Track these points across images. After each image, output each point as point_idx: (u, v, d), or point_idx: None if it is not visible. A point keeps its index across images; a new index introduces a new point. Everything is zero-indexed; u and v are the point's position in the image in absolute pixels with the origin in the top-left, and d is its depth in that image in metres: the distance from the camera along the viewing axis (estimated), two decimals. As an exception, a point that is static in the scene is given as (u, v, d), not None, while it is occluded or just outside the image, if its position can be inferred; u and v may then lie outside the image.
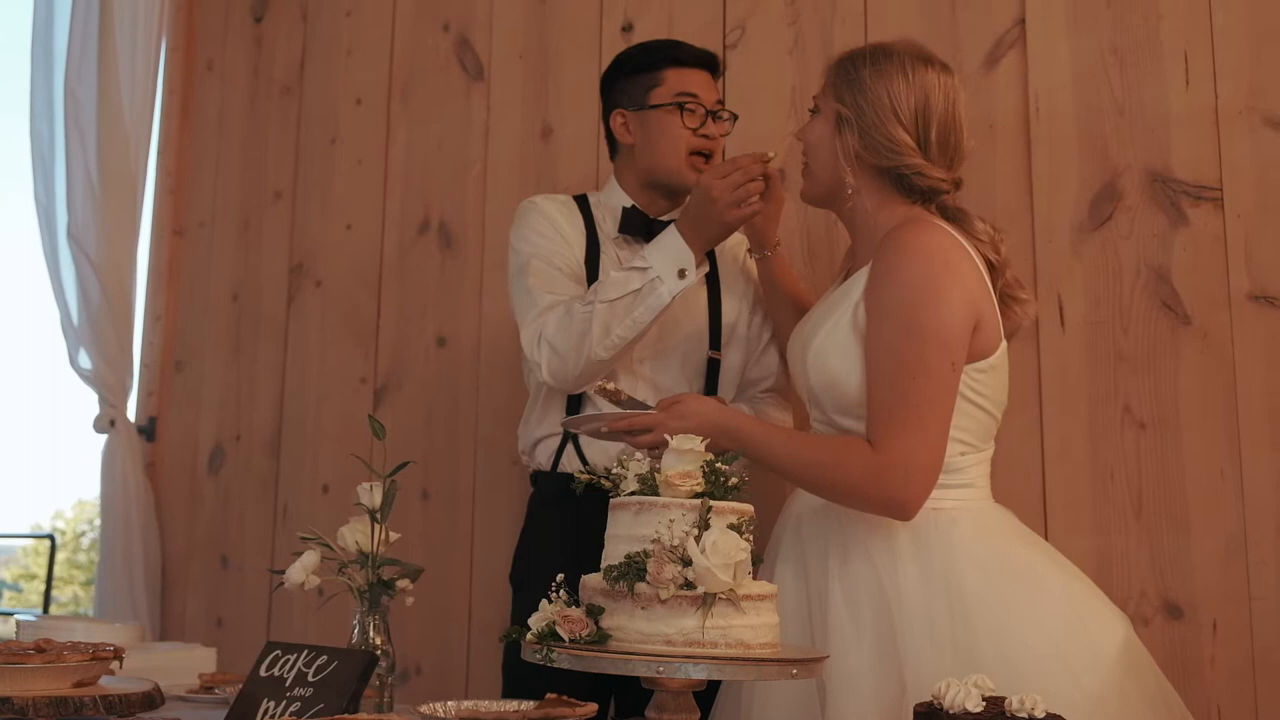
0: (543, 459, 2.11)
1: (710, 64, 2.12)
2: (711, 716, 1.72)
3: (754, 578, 1.35)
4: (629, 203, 2.11)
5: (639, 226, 2.07)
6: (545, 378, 1.95)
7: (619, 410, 1.74)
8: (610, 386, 1.73)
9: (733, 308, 2.11)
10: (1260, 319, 2.04)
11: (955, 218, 1.73)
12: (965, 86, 2.27)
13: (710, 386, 2.07)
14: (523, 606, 1.37)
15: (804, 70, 2.46)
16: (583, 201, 2.16)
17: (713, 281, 2.10)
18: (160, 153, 3.45)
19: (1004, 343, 1.70)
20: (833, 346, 1.69)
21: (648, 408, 1.73)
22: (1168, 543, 2.06)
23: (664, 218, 2.06)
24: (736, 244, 2.16)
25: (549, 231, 2.08)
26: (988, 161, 2.26)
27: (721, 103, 2.11)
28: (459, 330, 2.85)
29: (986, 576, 1.59)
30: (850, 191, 1.74)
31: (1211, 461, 2.04)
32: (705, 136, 2.05)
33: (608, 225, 2.11)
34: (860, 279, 1.70)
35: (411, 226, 2.96)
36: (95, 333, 3.17)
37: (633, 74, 2.11)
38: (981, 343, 1.65)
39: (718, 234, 1.91)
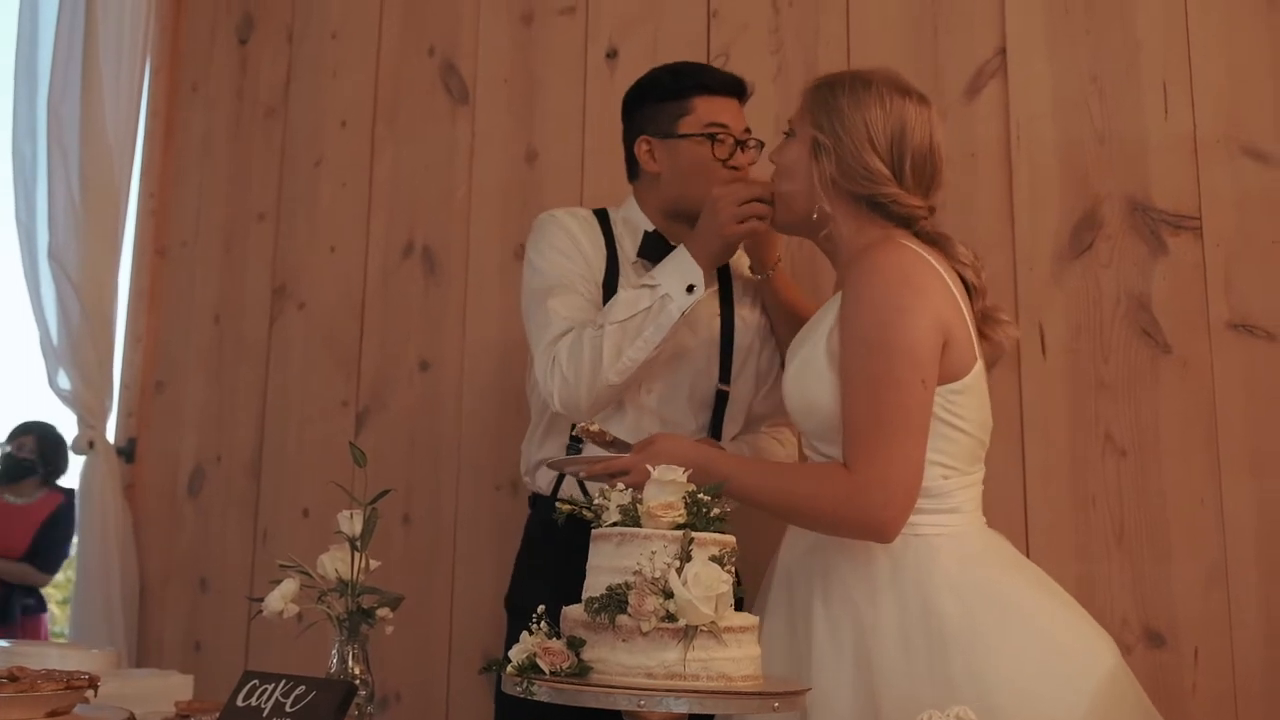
0: (543, 483, 2.09)
1: (739, 91, 2.08)
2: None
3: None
4: (651, 226, 2.07)
5: (658, 252, 2.02)
6: (557, 407, 1.93)
7: (599, 454, 1.74)
8: (594, 428, 1.72)
9: (745, 341, 2.09)
10: (1239, 347, 2.06)
11: (934, 241, 1.73)
12: (947, 115, 2.31)
13: (716, 419, 2.05)
14: (519, 632, 1.36)
15: (787, 98, 2.46)
16: (603, 217, 2.12)
17: (727, 313, 2.08)
18: (143, 173, 3.43)
19: (979, 363, 1.69)
20: (810, 373, 1.69)
21: (630, 446, 1.73)
22: (1149, 570, 2.06)
23: None
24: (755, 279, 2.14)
25: (570, 250, 2.05)
26: (969, 190, 2.28)
27: (749, 130, 2.06)
28: (442, 354, 2.84)
29: (963, 605, 1.58)
30: (825, 218, 1.75)
31: (1192, 489, 2.05)
32: (735, 167, 2.01)
33: (627, 245, 2.08)
34: (835, 304, 1.70)
35: (395, 249, 2.96)
36: (75, 353, 3.14)
37: (660, 101, 2.05)
38: (954, 364, 1.65)
39: (720, 248, 1.90)
